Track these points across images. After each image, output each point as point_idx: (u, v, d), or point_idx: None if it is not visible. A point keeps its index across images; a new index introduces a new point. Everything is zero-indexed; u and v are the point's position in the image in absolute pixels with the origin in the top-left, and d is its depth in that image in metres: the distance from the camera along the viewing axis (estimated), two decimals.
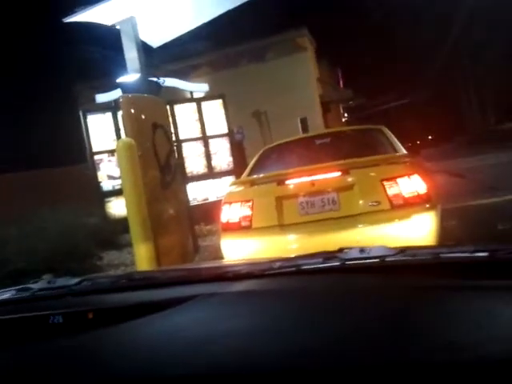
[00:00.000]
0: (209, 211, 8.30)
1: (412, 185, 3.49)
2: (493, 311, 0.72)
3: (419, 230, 3.46)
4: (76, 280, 1.18)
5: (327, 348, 0.66)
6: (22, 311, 1.00)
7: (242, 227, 3.73)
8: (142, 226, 4.74)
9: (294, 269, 1.05)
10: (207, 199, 9.34)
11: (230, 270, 1.12)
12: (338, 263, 1.03)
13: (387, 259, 0.99)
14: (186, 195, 7.09)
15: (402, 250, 1.02)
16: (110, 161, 9.20)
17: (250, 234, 3.72)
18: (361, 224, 3.52)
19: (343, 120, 24.89)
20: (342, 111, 24.97)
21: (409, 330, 0.69)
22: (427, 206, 3.49)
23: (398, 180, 3.49)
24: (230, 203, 3.84)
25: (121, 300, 1.01)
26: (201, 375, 0.65)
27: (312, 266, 1.05)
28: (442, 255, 0.96)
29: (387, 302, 0.81)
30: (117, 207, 8.82)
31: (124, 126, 5.43)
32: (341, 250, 1.10)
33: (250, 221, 3.72)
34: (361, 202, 3.56)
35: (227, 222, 3.81)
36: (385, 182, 3.50)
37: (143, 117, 5.28)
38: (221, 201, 4.02)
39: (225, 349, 0.71)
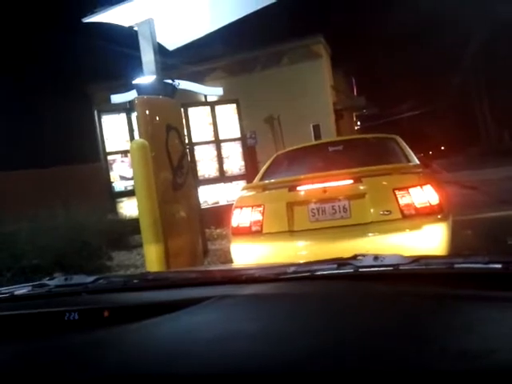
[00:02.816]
0: (219, 215, 8.32)
1: (424, 195, 3.47)
2: (506, 321, 0.72)
3: (430, 241, 3.44)
4: (92, 278, 1.19)
5: (339, 353, 0.67)
6: (38, 307, 1.01)
7: (252, 232, 3.74)
8: (153, 227, 4.76)
9: (308, 274, 1.06)
10: (218, 203, 9.37)
11: (243, 274, 1.12)
12: (351, 270, 1.03)
13: (401, 267, 0.99)
14: (198, 198, 7.11)
15: (416, 259, 1.03)
16: (123, 161, 9.27)
17: (260, 239, 3.72)
18: (371, 233, 3.51)
19: (356, 128, 24.84)
20: (354, 119, 24.92)
21: (421, 337, 0.69)
22: (439, 216, 3.47)
23: (410, 190, 3.48)
24: (241, 207, 3.84)
25: (136, 299, 1.02)
26: (212, 375, 0.66)
27: (326, 272, 1.06)
28: (456, 265, 0.97)
29: (400, 309, 0.81)
30: (128, 208, 8.87)
31: (138, 128, 5.47)
32: (355, 257, 1.11)
33: (261, 226, 3.72)
34: (372, 210, 3.55)
35: (238, 227, 3.82)
36: (397, 192, 3.49)
37: (157, 118, 5.31)
38: (232, 205, 4.02)
39: (237, 350, 0.72)
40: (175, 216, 5.25)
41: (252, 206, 3.78)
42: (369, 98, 23.09)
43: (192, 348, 0.75)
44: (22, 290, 1.19)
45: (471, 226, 6.06)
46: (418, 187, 3.49)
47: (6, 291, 1.17)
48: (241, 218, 3.81)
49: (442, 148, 51.95)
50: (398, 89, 36.87)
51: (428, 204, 3.47)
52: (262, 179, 4.33)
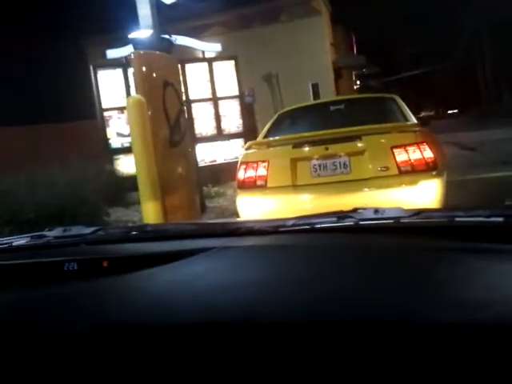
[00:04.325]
0: (217, 173, 8.33)
1: (420, 153, 3.64)
2: (506, 274, 0.72)
3: (425, 196, 3.62)
4: (91, 229, 1.19)
5: (339, 304, 0.67)
6: (36, 257, 1.01)
7: (257, 186, 3.95)
8: (151, 184, 4.75)
9: (307, 227, 1.05)
10: (215, 161, 9.35)
11: (243, 226, 1.12)
12: (352, 223, 1.03)
13: (402, 220, 0.99)
14: (195, 156, 7.08)
15: (417, 212, 1.02)
16: (119, 118, 9.18)
17: (264, 192, 3.93)
18: (370, 187, 3.72)
19: (355, 87, 24.57)
20: (354, 78, 24.62)
21: (420, 289, 0.69)
22: (434, 173, 3.65)
23: (407, 147, 3.65)
24: (247, 163, 4.04)
25: (136, 249, 1.02)
26: (214, 323, 0.66)
27: (326, 225, 1.05)
28: (457, 218, 0.96)
29: (400, 261, 0.81)
30: (125, 165, 8.84)
31: (134, 83, 5.39)
32: (355, 210, 1.10)
33: (266, 180, 3.93)
34: (371, 166, 3.74)
35: (244, 181, 4.03)
36: (394, 149, 3.67)
37: (154, 74, 5.23)
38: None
39: (241, 298, 0.72)
40: (173, 173, 5.23)
41: (257, 162, 3.98)
42: (369, 57, 22.77)
43: (194, 296, 0.75)
44: (20, 240, 1.19)
45: (469, 187, 6.08)
46: (415, 145, 3.66)
47: (5, 242, 1.17)
48: (246, 172, 4.01)
49: (442, 109, 51.65)
50: (399, 48, 36.30)
51: (423, 161, 3.64)
52: (266, 136, 4.49)
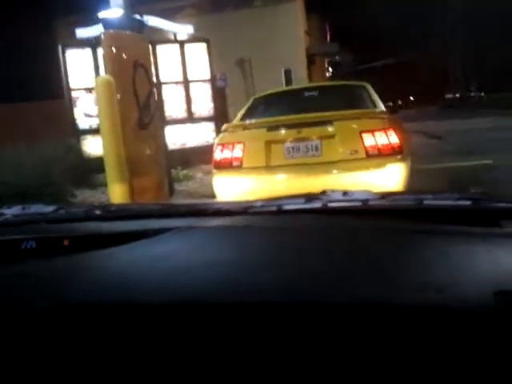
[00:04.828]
0: (186, 156, 8.25)
1: (387, 138, 3.89)
2: (471, 255, 0.73)
3: (391, 178, 3.86)
4: (51, 208, 1.15)
5: (305, 284, 0.66)
6: None
7: (233, 166, 4.14)
8: (118, 165, 4.69)
9: (275, 208, 1.04)
10: (185, 144, 9.26)
11: (209, 208, 1.10)
12: (320, 205, 1.02)
13: (370, 203, 0.99)
14: (164, 138, 7.00)
15: (386, 195, 1.02)
16: (87, 98, 9.00)
17: (240, 172, 4.13)
18: (339, 170, 3.94)
19: (327, 75, 24.61)
20: (326, 66, 24.64)
21: (388, 270, 0.70)
22: (399, 157, 3.89)
23: (375, 133, 3.90)
24: (224, 144, 4.22)
25: (97, 228, 0.99)
26: (177, 303, 0.65)
27: (294, 207, 1.04)
28: (425, 201, 0.96)
29: (368, 243, 0.81)
30: (92, 146, 8.68)
31: (104, 64, 5.30)
32: (323, 193, 1.09)
33: (241, 161, 4.12)
34: (341, 150, 3.97)
35: (220, 161, 4.21)
36: (363, 134, 3.90)
37: (124, 55, 5.14)
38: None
39: (203, 278, 0.71)
40: (141, 155, 5.17)
41: (233, 143, 4.17)
42: (342, 45, 22.80)
43: (156, 276, 0.73)
44: None
45: (435, 175, 6.18)
46: (382, 131, 3.90)
47: None
48: (223, 153, 4.19)
49: (412, 98, 52.24)
50: (372, 36, 36.50)
51: (390, 146, 3.88)
52: (241, 120, 4.65)
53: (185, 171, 8.21)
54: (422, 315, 0.57)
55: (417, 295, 0.60)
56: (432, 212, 0.93)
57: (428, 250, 0.75)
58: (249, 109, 4.89)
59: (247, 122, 4.45)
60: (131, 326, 0.63)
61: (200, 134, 9.27)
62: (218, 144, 4.29)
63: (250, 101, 5.18)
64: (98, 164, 5.92)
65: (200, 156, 8.33)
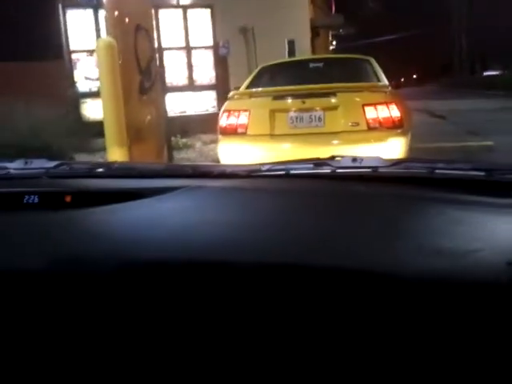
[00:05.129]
0: (186, 124, 8.18)
1: (388, 112, 4.00)
2: (485, 225, 0.71)
3: (390, 151, 3.93)
4: (54, 163, 1.12)
5: (314, 247, 0.65)
6: None
7: (238, 133, 4.28)
8: (118, 130, 4.64)
9: (283, 172, 1.01)
10: (185, 112, 9.17)
11: (216, 169, 1.08)
12: (329, 170, 1.00)
13: (381, 170, 0.96)
14: (165, 105, 6.92)
15: (397, 162, 0.99)
16: (87, 61, 8.86)
17: (244, 139, 4.26)
18: (341, 140, 4.07)
19: (331, 48, 24.33)
20: (330, 39, 24.34)
21: (398, 236, 0.68)
22: (399, 131, 4.03)
23: (377, 106, 4.01)
24: (230, 111, 4.36)
25: (101, 185, 0.97)
26: (182, 260, 0.64)
27: (302, 171, 1.02)
28: (437, 170, 0.94)
29: (378, 209, 0.79)
30: (92, 110, 8.59)
31: (106, 26, 5.20)
32: (332, 158, 1.06)
33: (246, 128, 4.25)
34: (343, 121, 4.08)
35: (225, 127, 4.36)
36: (365, 107, 4.01)
37: (127, 18, 5.03)
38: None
39: (207, 237, 0.70)
40: (141, 121, 5.12)
41: (239, 111, 4.30)
42: (346, 18, 22.47)
43: (159, 233, 0.72)
44: None
45: (436, 155, 6.15)
46: (384, 104, 4.02)
47: None
48: (229, 120, 4.33)
49: (415, 76, 51.87)
50: (378, 10, 35.99)
51: (391, 119, 3.99)
52: (248, 88, 4.76)
53: (184, 140, 8.15)
54: (432, 282, 0.56)
55: (428, 261, 0.59)
56: (444, 181, 0.91)
57: (440, 218, 0.74)
58: (255, 77, 4.99)
59: (253, 90, 4.57)
60: (133, 281, 0.63)
61: (200, 103, 9.18)
62: (225, 110, 4.41)
63: (257, 70, 5.27)
64: (97, 128, 5.86)
65: (200, 125, 8.26)
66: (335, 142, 4.08)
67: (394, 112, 3.99)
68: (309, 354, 0.55)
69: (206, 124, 8.27)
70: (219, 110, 4.93)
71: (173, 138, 7.48)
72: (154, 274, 0.63)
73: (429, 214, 0.76)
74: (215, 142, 8.39)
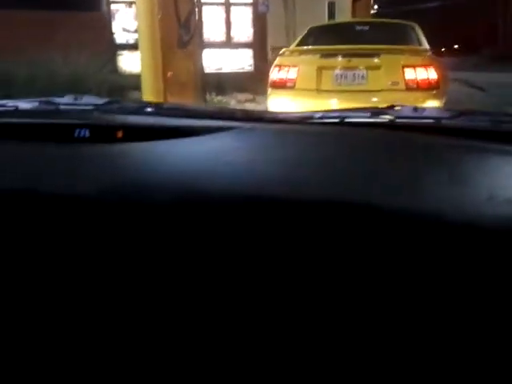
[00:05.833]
0: (222, 82, 8.11)
1: (426, 74, 4.30)
2: None
3: None
4: (104, 100, 1.11)
5: (365, 192, 0.64)
6: (45, 119, 0.95)
7: (287, 87, 4.64)
8: (155, 82, 4.62)
9: (337, 120, 0.96)
10: (221, 69, 9.08)
11: (269, 116, 1.05)
12: (388, 119, 0.95)
13: (443, 121, 0.92)
14: (201, 60, 6.86)
15: (460, 114, 0.95)
16: (126, 13, 8.80)
17: (293, 92, 4.61)
18: (380, 98, 4.34)
19: (372, 12, 23.63)
20: (372, 3, 23.61)
21: (468, 185, 0.67)
22: (434, 92, 4.34)
23: (416, 68, 4.32)
24: (280, 66, 4.75)
25: (153, 122, 0.96)
26: (235, 193, 0.65)
27: (359, 120, 0.97)
28: (504, 124, 0.90)
29: (443, 159, 0.76)
30: (129, 62, 8.57)
31: None
32: (392, 107, 1.03)
33: (295, 83, 4.61)
34: (383, 80, 4.41)
35: (275, 81, 4.74)
36: (405, 68, 4.32)
37: None
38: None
39: (262, 174, 0.70)
40: (178, 74, 5.10)
41: (289, 66, 4.68)
42: None
43: (213, 170, 0.72)
44: (27, 104, 1.11)
45: None
46: (423, 67, 4.33)
47: (10, 104, 1.09)
48: (279, 74, 4.71)
49: (456, 46, 50.22)
50: None
51: (427, 81, 4.30)
52: (298, 45, 5.14)
53: (219, 97, 8.10)
54: (504, 230, 0.56)
55: (500, 210, 0.58)
56: (511, 134, 0.87)
57: (509, 170, 0.72)
58: (305, 36, 5.37)
59: (303, 48, 4.98)
60: (188, 212, 0.64)
61: (237, 61, 9.07)
62: (276, 65, 4.80)
63: (307, 30, 5.61)
64: (133, 80, 5.86)
65: (235, 83, 8.19)
66: (375, 99, 4.35)
67: (431, 74, 4.30)
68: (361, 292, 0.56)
69: (242, 82, 8.19)
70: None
71: (208, 95, 7.45)
72: (210, 206, 0.64)
73: (496, 165, 0.74)
74: (250, 101, 8.35)
